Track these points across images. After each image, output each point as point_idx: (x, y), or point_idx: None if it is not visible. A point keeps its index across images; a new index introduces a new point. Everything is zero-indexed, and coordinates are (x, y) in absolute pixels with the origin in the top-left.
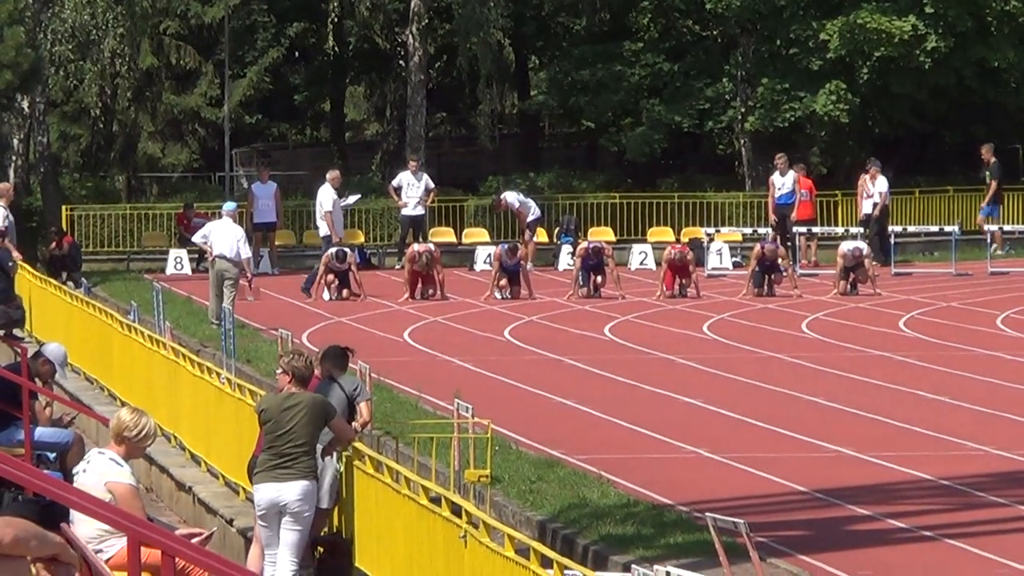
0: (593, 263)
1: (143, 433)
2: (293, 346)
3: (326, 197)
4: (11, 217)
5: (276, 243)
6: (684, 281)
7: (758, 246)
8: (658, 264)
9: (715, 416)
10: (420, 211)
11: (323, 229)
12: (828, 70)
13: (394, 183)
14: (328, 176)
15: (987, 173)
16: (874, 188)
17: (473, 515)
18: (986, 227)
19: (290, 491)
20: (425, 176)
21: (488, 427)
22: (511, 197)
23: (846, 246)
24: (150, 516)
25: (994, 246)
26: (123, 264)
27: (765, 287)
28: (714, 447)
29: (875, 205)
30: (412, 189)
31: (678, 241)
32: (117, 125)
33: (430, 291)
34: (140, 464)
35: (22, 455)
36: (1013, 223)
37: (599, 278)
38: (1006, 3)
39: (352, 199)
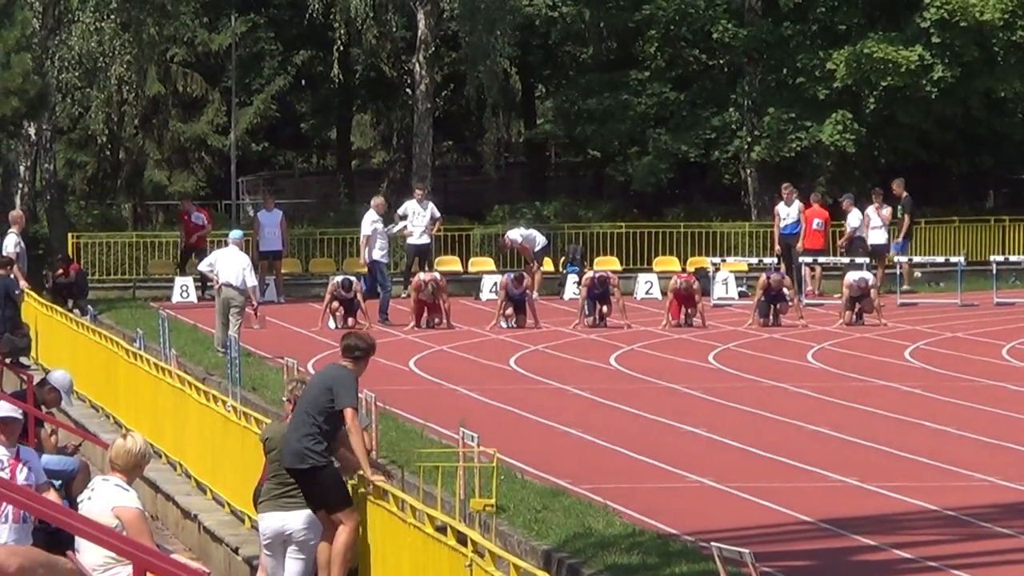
0: (599, 292)
1: (142, 456)
2: (299, 374)
3: (366, 222)
4: (23, 244)
5: (282, 271)
6: (690, 311)
7: (764, 276)
8: (664, 294)
9: (720, 446)
10: (426, 240)
11: (373, 254)
12: (834, 100)
13: (400, 212)
14: (372, 202)
15: (899, 208)
16: (847, 221)
17: (479, 544)
18: (897, 259)
19: (295, 520)
20: (431, 205)
21: (494, 456)
22: (513, 234)
23: (852, 276)
24: (158, 544)
25: (904, 285)
26: (129, 292)
27: (771, 317)
28: (719, 477)
29: (844, 235)
30: (418, 218)
31: (684, 271)
32: (124, 152)
33: (436, 320)
34: (146, 491)
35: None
36: (1020, 254)
37: (605, 307)
38: (1013, 33)
39: (398, 226)
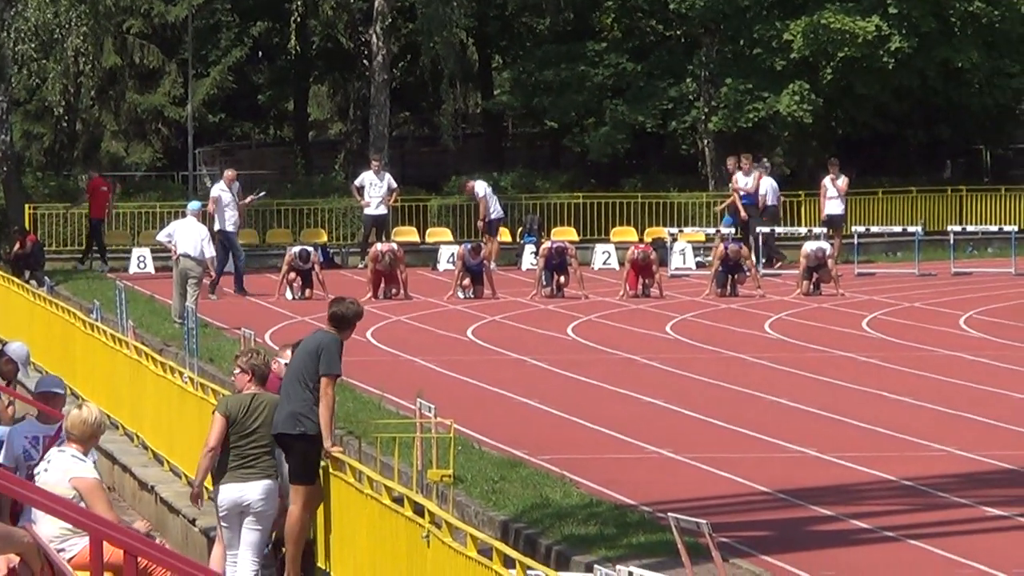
0: (556, 263)
1: (98, 425)
2: (255, 344)
3: (217, 193)
4: None
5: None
6: (647, 281)
7: (721, 246)
8: (621, 264)
9: (678, 416)
10: (383, 211)
11: (218, 223)
12: (791, 70)
13: (357, 182)
14: (225, 175)
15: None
16: (761, 190)
17: (436, 515)
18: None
19: (253, 491)
20: (388, 176)
21: (451, 427)
22: (480, 187)
23: (809, 246)
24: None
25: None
26: (85, 263)
27: (728, 287)
28: (677, 447)
29: (765, 207)
30: (375, 189)
31: (641, 241)
32: (80, 124)
33: (393, 291)
34: (103, 462)
35: None
36: (977, 224)
37: (562, 278)
38: (970, 4)
39: (253, 197)
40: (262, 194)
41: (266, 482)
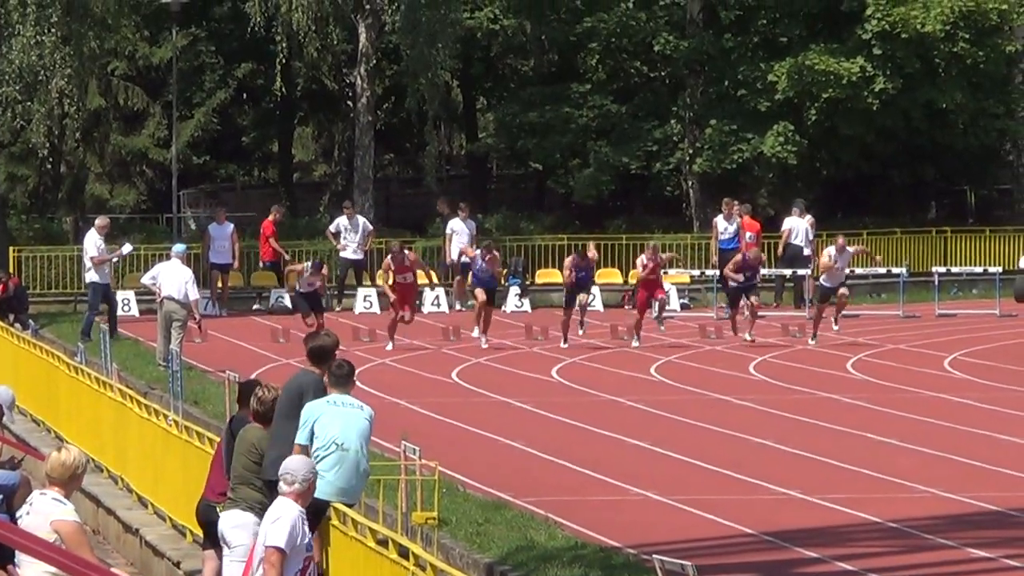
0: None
1: (79, 467)
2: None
3: (91, 244)
4: None
5: (228, 285)
6: (660, 297)
7: (738, 256)
8: (606, 306)
9: (663, 458)
10: (359, 256)
11: (91, 275)
12: (776, 111)
13: (332, 228)
14: (96, 224)
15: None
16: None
17: (420, 557)
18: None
19: (225, 520)
20: (362, 220)
21: (435, 469)
22: (449, 224)
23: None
24: (100, 558)
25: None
26: (70, 306)
27: (743, 310)
28: (662, 489)
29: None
30: (349, 234)
31: (648, 244)
32: (65, 166)
33: (378, 332)
34: (87, 505)
35: None
36: (961, 265)
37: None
38: (954, 45)
39: (126, 249)
40: (131, 247)
41: (235, 511)
